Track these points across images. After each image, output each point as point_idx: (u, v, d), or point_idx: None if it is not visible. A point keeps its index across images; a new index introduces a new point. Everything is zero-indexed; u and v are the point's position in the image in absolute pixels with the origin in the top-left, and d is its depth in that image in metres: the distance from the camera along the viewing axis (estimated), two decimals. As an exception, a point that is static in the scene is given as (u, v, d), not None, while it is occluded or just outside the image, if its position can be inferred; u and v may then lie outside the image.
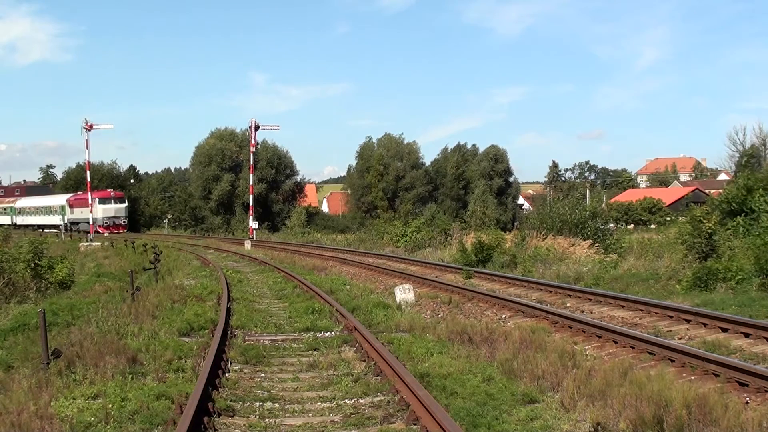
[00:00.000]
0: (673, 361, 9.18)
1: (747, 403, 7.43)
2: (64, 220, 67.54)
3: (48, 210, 73.12)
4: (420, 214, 56.54)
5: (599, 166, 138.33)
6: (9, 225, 71.63)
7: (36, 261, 23.07)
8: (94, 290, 21.21)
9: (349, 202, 75.50)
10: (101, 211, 64.22)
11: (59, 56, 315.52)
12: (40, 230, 66.09)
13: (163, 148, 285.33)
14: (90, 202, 60.09)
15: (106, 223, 64.80)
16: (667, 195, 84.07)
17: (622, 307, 13.94)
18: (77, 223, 66.47)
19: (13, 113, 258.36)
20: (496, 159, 74.09)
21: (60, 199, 72.41)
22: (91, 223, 57.72)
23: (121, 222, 66.92)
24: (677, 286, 17.31)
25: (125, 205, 68.31)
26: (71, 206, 68.94)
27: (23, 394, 7.48)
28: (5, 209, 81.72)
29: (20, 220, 76.15)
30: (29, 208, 77.37)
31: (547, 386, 7.83)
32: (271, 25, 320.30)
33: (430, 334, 11.06)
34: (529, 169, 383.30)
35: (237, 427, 6.73)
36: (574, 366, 8.30)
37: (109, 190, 69.82)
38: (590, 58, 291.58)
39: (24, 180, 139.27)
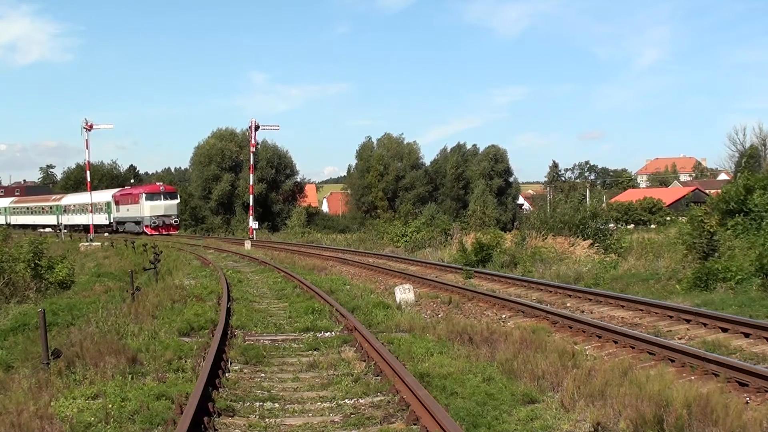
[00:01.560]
0: (673, 361, 9.18)
1: (747, 403, 7.43)
2: (109, 219, 59.85)
3: (94, 208, 60.34)
4: (420, 214, 56.54)
5: (599, 166, 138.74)
6: (55, 226, 64.00)
7: (36, 261, 23.11)
8: (94, 290, 21.24)
9: (349, 202, 75.67)
10: (148, 208, 55.06)
11: (59, 56, 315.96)
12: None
13: (163, 148, 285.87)
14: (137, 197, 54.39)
15: (154, 222, 55.08)
16: (667, 195, 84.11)
17: (622, 307, 13.93)
18: (123, 223, 58.88)
19: (13, 113, 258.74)
20: (496, 159, 74.24)
21: (106, 195, 62.62)
22: (90, 223, 55.79)
23: (172, 221, 56.48)
24: (677, 286, 17.31)
25: (177, 201, 57.92)
26: (117, 203, 59.90)
27: (23, 394, 7.48)
28: (51, 208, 70.58)
29: (65, 219, 64.43)
30: (74, 206, 65.84)
31: (547, 386, 7.83)
32: (271, 25, 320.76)
33: (430, 334, 11.04)
34: (529, 169, 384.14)
35: (237, 427, 6.73)
36: (574, 366, 8.29)
37: (158, 183, 61.13)
38: (590, 58, 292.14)
39: (24, 180, 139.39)
